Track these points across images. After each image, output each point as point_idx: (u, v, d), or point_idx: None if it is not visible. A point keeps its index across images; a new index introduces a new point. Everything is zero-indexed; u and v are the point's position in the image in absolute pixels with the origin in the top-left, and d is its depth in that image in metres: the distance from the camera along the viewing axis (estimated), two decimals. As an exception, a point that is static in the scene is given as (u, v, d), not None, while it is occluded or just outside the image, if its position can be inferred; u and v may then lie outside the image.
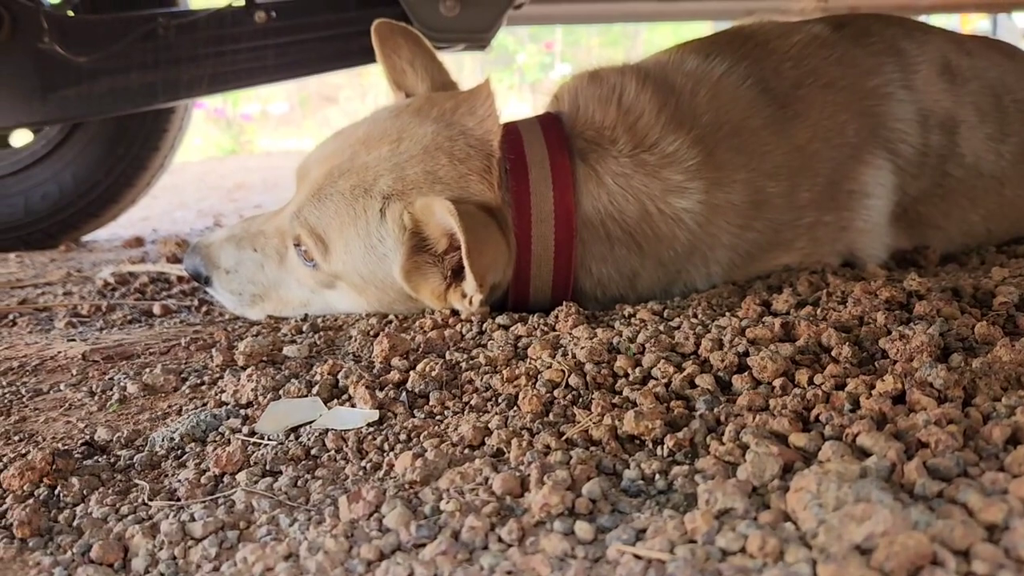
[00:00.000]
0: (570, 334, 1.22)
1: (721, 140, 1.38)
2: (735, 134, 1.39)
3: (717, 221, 1.37)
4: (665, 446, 0.87)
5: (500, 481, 0.79)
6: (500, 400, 1.03)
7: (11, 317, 1.77)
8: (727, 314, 1.25)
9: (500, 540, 0.72)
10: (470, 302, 1.31)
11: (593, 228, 1.33)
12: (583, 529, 0.72)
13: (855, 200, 1.49)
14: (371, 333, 1.39)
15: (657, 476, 0.81)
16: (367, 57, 2.47)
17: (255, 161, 6.59)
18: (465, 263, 1.20)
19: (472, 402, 1.03)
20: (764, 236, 1.43)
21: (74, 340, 1.52)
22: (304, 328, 1.45)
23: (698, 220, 1.35)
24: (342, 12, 2.49)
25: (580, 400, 1.00)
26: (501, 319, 1.34)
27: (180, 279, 2.13)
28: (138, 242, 2.87)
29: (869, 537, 0.62)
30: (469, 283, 1.26)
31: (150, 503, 0.87)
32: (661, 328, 1.18)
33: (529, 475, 0.79)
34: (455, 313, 1.39)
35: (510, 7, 2.41)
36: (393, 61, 1.55)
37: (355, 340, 1.35)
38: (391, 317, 1.45)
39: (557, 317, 1.30)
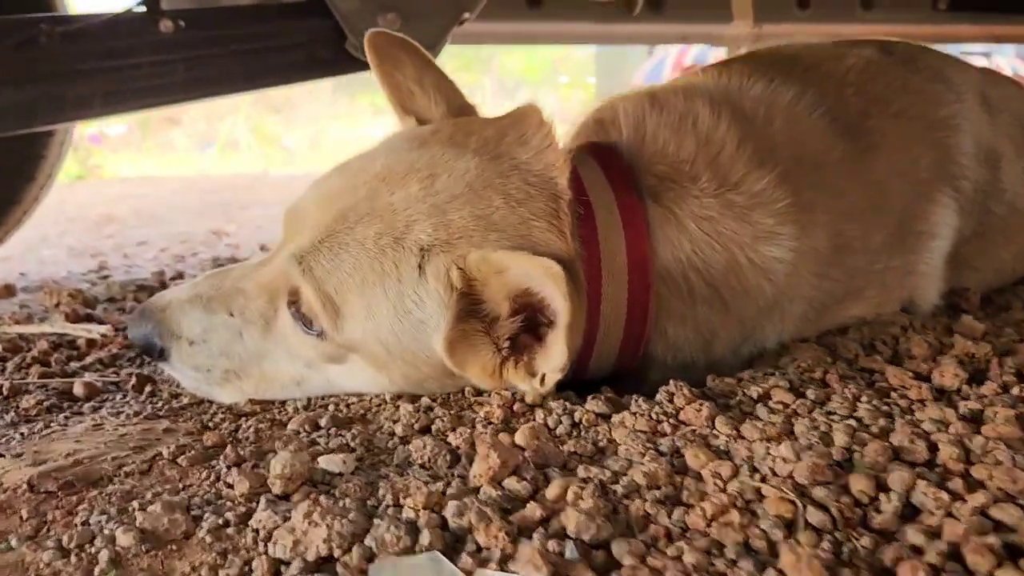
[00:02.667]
0: (711, 428, 0.94)
1: (804, 177, 1.18)
2: (815, 170, 1.20)
3: (801, 271, 1.18)
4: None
5: None
6: (726, 551, 0.72)
7: None
8: (894, 394, 1.00)
9: None
10: (542, 382, 1.02)
11: (672, 283, 1.10)
12: None
13: (922, 242, 1.34)
14: (416, 427, 1.05)
15: None
16: (292, 75, 2.15)
17: (113, 188, 5.86)
18: (559, 338, 0.94)
19: (687, 559, 0.72)
20: (840, 285, 1.25)
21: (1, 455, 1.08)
22: (322, 423, 1.09)
23: (787, 270, 1.15)
24: (263, 24, 2.11)
25: (857, 555, 0.70)
26: (592, 405, 1.04)
27: (91, 343, 1.68)
28: (7, 291, 2.33)
29: None
30: (555, 359, 0.98)
31: None
32: (833, 420, 0.92)
33: None
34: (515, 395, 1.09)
35: (456, 23, 2.11)
36: (396, 79, 1.26)
37: (407, 442, 1.01)
38: (430, 403, 1.12)
39: (672, 401, 1.02)
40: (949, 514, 0.74)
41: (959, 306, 1.48)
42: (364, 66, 2.09)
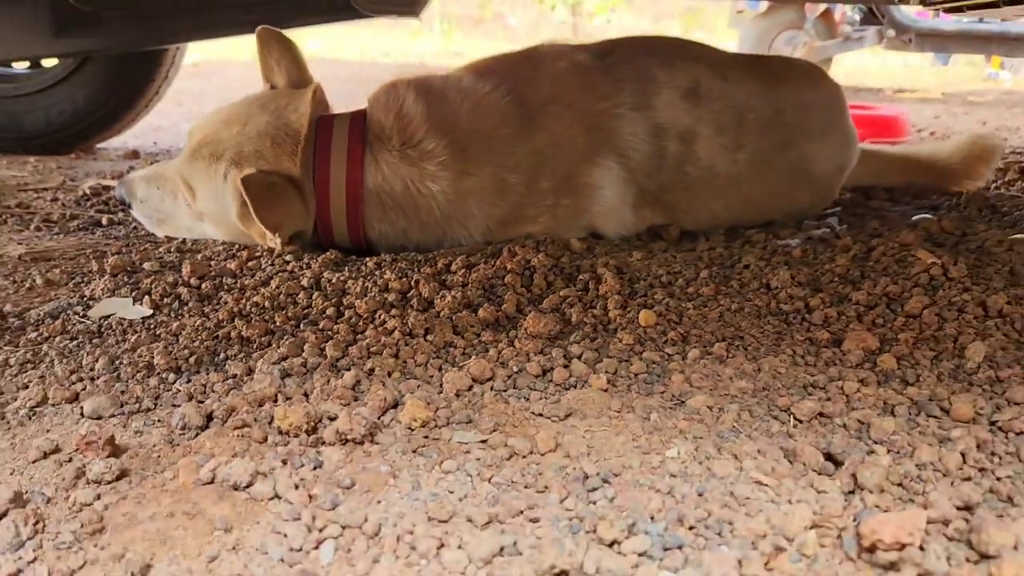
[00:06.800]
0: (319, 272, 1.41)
1: (474, 142, 1.58)
2: (487, 138, 1.60)
3: (467, 200, 1.58)
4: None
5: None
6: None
7: (3, 216, 1.87)
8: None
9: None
10: (271, 242, 1.51)
11: (373, 199, 1.56)
12: None
13: (590, 191, 1.67)
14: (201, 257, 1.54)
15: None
16: (315, 18, 2.38)
17: None
18: (254, 217, 1.39)
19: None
20: (511, 212, 1.63)
21: (23, 244, 1.65)
22: (172, 249, 1.60)
23: (447, 198, 1.56)
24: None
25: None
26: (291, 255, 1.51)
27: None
28: (134, 155, 2.91)
29: None
30: (259, 229, 1.44)
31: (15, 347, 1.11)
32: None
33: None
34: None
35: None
36: (267, 60, 1.72)
37: (188, 263, 1.45)
38: (235, 246, 1.60)
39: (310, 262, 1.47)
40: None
41: (661, 235, 1.71)
42: (360, 15, 2.37)
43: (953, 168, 2.16)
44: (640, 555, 0.62)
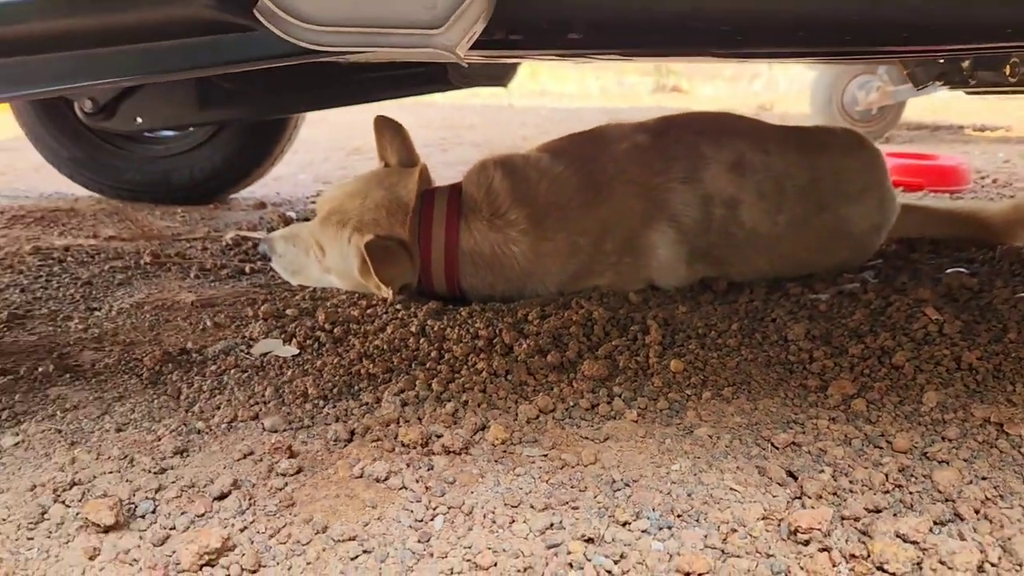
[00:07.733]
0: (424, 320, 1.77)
1: (549, 214, 1.92)
2: (561, 210, 1.93)
3: (543, 260, 1.92)
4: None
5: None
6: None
7: (168, 264, 2.30)
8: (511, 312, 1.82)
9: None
10: (385, 292, 1.84)
11: (466, 258, 1.92)
12: None
13: (648, 251, 1.99)
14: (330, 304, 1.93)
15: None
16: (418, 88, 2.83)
17: (410, 114, 6.52)
18: (372, 273, 1.73)
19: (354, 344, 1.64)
20: (581, 269, 1.96)
21: (191, 291, 2.04)
22: (306, 297, 1.99)
23: (526, 259, 1.91)
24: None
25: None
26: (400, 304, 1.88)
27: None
28: (261, 205, 3.37)
29: None
30: (375, 282, 1.77)
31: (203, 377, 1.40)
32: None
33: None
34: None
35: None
36: (381, 142, 2.11)
37: (321, 310, 1.84)
38: (356, 295, 1.98)
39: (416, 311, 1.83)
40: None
41: (711, 287, 2.01)
42: (455, 87, 2.80)
43: (995, 228, 2.41)
44: (642, 532, 0.94)
